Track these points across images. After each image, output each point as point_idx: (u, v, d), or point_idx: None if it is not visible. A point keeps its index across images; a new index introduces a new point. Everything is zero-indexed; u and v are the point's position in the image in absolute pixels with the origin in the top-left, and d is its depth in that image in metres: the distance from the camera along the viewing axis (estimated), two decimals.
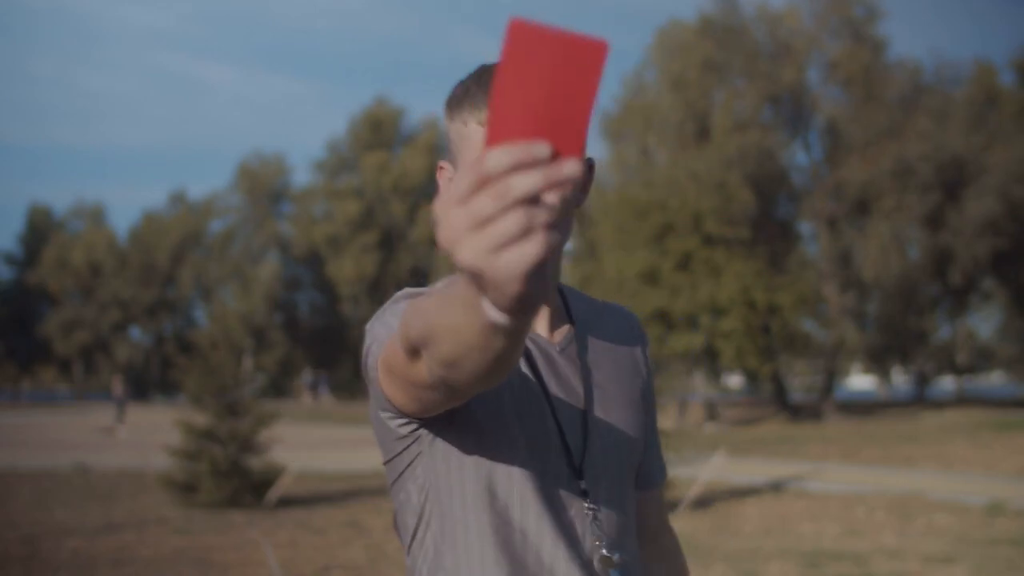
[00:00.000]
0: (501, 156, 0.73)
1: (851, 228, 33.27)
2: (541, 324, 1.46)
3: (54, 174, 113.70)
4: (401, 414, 1.30)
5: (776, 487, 13.83)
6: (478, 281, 0.77)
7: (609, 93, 37.87)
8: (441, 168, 1.44)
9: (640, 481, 1.57)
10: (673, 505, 11.08)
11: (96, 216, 65.85)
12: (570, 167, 0.73)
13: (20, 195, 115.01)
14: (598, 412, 1.44)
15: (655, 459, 1.60)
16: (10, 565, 7.84)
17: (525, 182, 0.73)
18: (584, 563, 1.35)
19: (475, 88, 1.34)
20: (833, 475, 15.34)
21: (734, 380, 46.43)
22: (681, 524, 10.42)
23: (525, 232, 0.73)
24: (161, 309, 63.20)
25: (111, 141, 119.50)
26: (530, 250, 0.73)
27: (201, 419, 11.68)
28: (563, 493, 1.37)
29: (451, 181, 1.24)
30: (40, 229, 65.34)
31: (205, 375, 11.67)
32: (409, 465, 1.37)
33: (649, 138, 34.99)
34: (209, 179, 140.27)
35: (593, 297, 1.59)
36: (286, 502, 11.70)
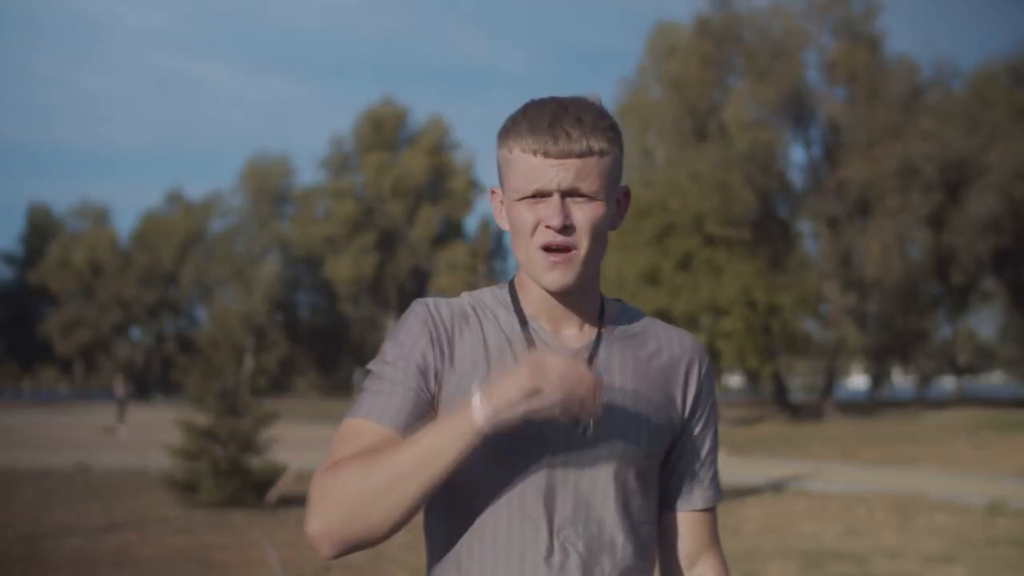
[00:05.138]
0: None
1: (852, 228, 33.22)
2: (571, 329, 1.47)
3: (54, 174, 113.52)
4: None
5: (776, 487, 13.84)
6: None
7: (608, 93, 37.89)
8: (493, 192, 1.49)
9: (666, 501, 1.53)
10: None
11: (98, 216, 65.83)
12: None
13: (20, 195, 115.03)
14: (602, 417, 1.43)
15: (687, 481, 1.53)
16: (10, 565, 7.84)
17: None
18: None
19: (521, 119, 1.41)
20: (833, 475, 15.35)
21: (734, 380, 46.41)
22: None
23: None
24: (162, 309, 63.24)
25: (112, 141, 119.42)
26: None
27: (202, 419, 11.68)
28: (543, 497, 1.39)
29: (502, 204, 1.45)
30: (40, 228, 65.34)
31: (206, 375, 11.68)
32: None
33: (649, 138, 34.93)
34: (210, 179, 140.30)
35: (657, 319, 1.57)
36: (287, 502, 11.69)
